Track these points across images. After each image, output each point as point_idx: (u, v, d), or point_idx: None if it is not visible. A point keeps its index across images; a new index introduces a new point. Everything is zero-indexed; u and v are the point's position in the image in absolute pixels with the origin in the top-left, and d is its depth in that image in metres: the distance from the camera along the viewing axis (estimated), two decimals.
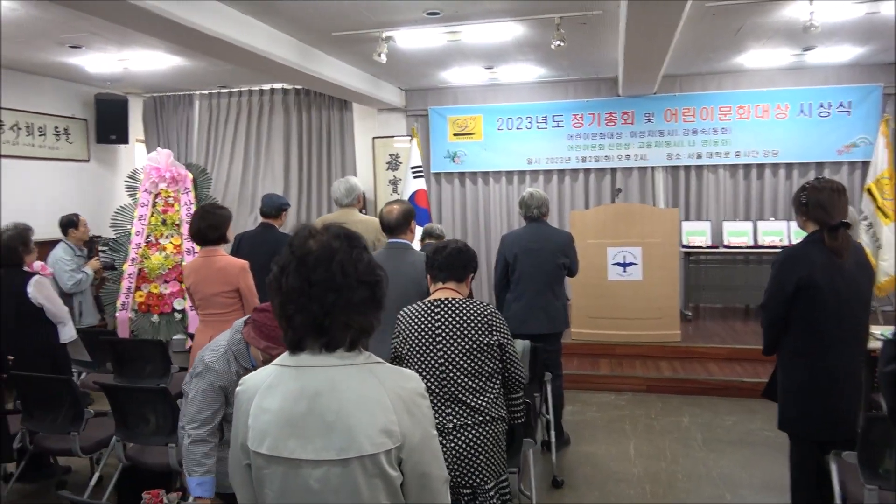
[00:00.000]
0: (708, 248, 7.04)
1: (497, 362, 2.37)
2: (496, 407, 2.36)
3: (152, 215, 6.26)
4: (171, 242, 6.21)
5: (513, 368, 2.42)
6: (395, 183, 8.31)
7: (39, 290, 3.76)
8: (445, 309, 2.34)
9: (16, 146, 6.39)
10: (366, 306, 1.30)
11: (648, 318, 6.02)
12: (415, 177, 7.44)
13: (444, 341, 2.30)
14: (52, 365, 3.84)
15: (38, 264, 3.83)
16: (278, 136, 7.76)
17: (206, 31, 4.47)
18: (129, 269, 6.13)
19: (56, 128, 6.87)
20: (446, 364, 2.30)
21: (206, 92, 7.87)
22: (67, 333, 3.95)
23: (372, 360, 1.31)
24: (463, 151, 8.16)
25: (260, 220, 4.71)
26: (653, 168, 7.70)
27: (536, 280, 4.21)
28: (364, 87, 7.16)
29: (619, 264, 6.06)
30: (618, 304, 6.04)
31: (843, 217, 2.71)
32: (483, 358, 2.31)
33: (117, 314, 6.06)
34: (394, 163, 8.34)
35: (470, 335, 2.30)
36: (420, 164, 7.49)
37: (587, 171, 7.88)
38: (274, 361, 1.35)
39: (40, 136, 6.66)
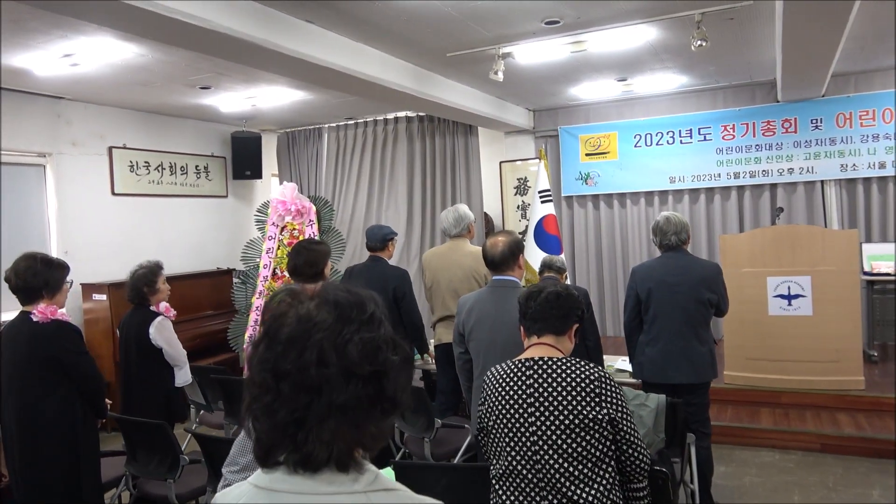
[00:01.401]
0: None
1: (608, 443, 1.84)
2: (609, 501, 1.82)
3: (279, 248, 6.33)
4: None
5: (631, 451, 1.87)
6: (523, 208, 7.87)
7: (160, 332, 3.74)
8: (539, 371, 1.86)
9: (160, 185, 6.75)
10: (361, 412, 0.88)
11: (822, 361, 5.04)
12: (543, 201, 6.94)
13: (537, 413, 1.83)
14: (167, 407, 3.80)
15: (163, 305, 3.83)
16: (402, 165, 7.63)
17: (318, 63, 4.37)
18: (256, 301, 6.22)
19: (197, 166, 7.22)
20: (540, 444, 1.81)
21: (334, 125, 7.96)
22: (182, 378, 3.92)
23: (376, 486, 0.90)
24: (596, 172, 7.55)
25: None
26: (822, 182, 6.62)
27: (675, 319, 3.57)
28: (488, 109, 6.85)
29: (782, 297, 5.15)
30: (782, 344, 5.12)
31: None
32: (589, 437, 1.80)
33: (245, 347, 6.14)
34: (522, 187, 7.92)
35: (571, 407, 1.80)
36: (548, 187, 6.97)
37: (740, 188, 6.95)
38: (249, 478, 0.97)
39: (182, 174, 7.01)
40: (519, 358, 1.93)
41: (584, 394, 1.80)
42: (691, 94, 7.01)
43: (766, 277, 5.17)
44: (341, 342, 0.87)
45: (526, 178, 7.88)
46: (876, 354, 5.81)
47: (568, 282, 6.80)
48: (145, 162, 6.61)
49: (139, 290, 3.72)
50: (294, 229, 6.35)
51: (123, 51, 4.47)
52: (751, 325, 5.20)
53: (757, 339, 5.19)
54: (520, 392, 1.86)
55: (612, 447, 1.85)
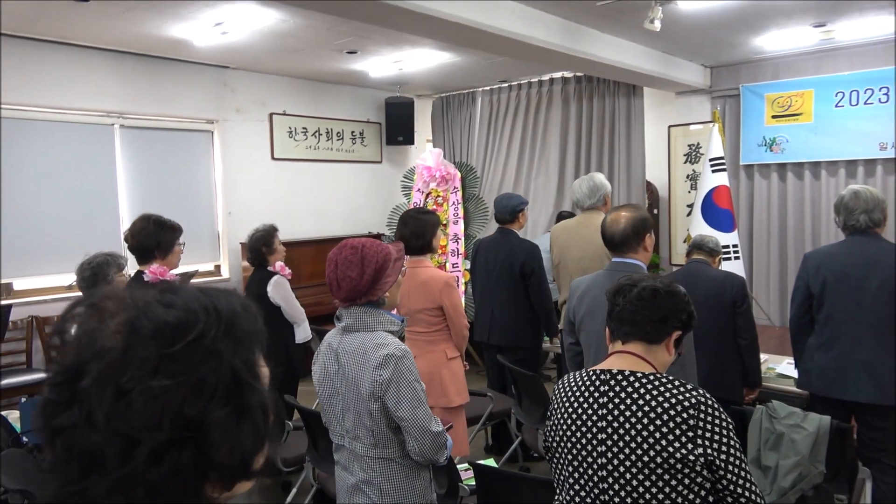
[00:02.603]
0: None
1: (703, 492, 1.39)
2: None
3: None
4: (438, 242, 6.11)
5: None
6: (693, 178, 7.05)
7: (277, 290, 3.83)
8: (616, 388, 1.45)
9: (317, 150, 6.97)
10: (169, 492, 0.60)
11: None
12: (714, 170, 6.12)
13: (609, 443, 1.43)
14: (287, 364, 3.89)
15: (279, 264, 3.91)
16: (555, 130, 7.13)
17: (453, 20, 4.10)
18: None
19: (353, 132, 7.35)
20: (610, 482, 1.42)
21: (487, 88, 7.66)
22: (302, 334, 3.99)
23: None
24: (784, 137, 6.49)
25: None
26: None
27: (857, 322, 2.86)
28: (654, 67, 6.13)
29: None
30: None
31: None
32: (675, 483, 1.37)
33: None
34: (694, 154, 7.08)
35: (653, 441, 1.38)
36: (722, 154, 6.13)
37: None
38: None
39: (338, 140, 7.18)
40: (595, 368, 1.54)
41: (672, 425, 1.37)
42: None
43: None
44: (120, 390, 0.60)
45: (698, 144, 7.02)
46: None
47: (724, 267, 5.96)
48: (303, 128, 6.84)
49: (258, 250, 3.80)
50: (438, 196, 6.22)
51: (266, 17, 4.54)
52: None
53: None
54: (589, 412, 1.48)
55: (709, 497, 1.40)
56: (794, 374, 3.18)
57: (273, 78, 6.58)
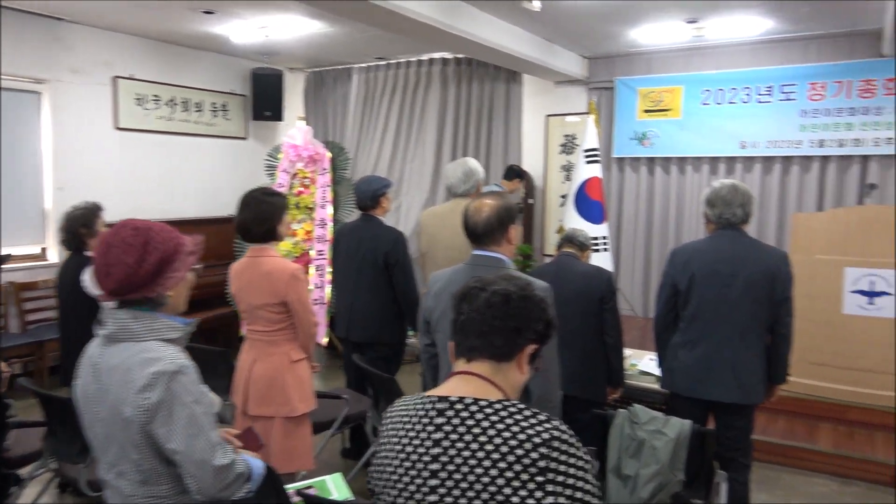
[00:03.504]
0: None
1: None
2: None
3: (287, 198, 5.77)
4: (302, 228, 5.68)
5: None
6: (568, 169, 7.04)
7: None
8: (452, 421, 1.18)
9: (170, 122, 6.28)
10: None
11: None
12: (588, 162, 6.11)
13: (440, 490, 1.15)
14: None
15: None
16: (432, 112, 6.87)
17: None
18: None
19: (214, 104, 6.71)
20: None
21: (364, 65, 7.26)
22: None
23: None
24: (654, 132, 6.61)
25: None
26: None
27: (724, 321, 2.80)
28: (534, 53, 5.99)
29: (862, 292, 4.25)
30: (856, 350, 4.25)
31: None
32: None
33: None
34: (569, 145, 7.07)
35: (495, 489, 1.11)
36: (596, 146, 6.14)
37: (825, 159, 5.90)
38: None
39: (197, 111, 6.52)
40: (432, 393, 1.26)
41: (518, 468, 1.11)
42: (776, 43, 5.94)
43: (844, 268, 4.27)
44: None
45: (574, 135, 7.01)
46: None
47: (593, 258, 5.99)
48: (154, 95, 6.12)
49: (75, 232, 3.23)
50: (306, 177, 5.77)
51: None
52: (820, 324, 4.33)
53: (825, 341, 4.33)
54: (420, 451, 1.19)
55: None
56: (657, 371, 3.10)
57: (118, 36, 5.81)
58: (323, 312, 5.52)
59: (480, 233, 2.25)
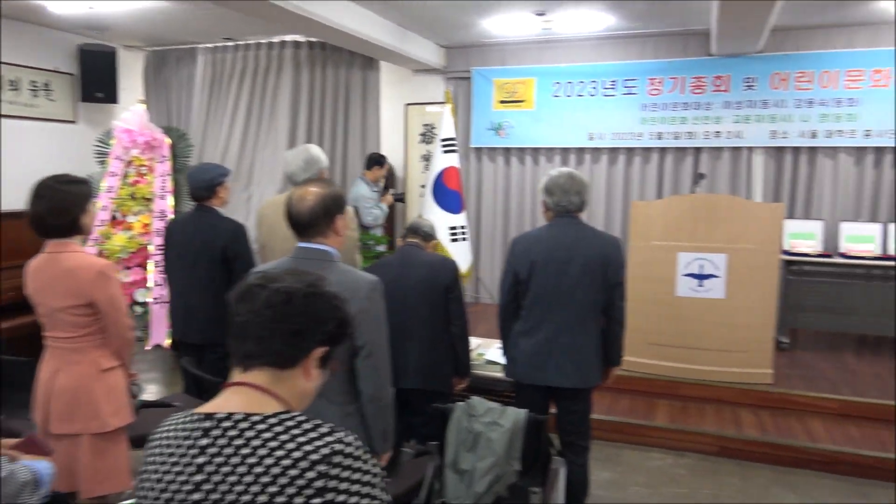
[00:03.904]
0: (818, 256, 5.34)
1: None
2: None
3: (122, 188, 5.27)
4: (139, 221, 5.21)
5: None
6: (428, 158, 7.01)
7: None
8: (218, 441, 1.03)
9: None
10: None
11: (730, 351, 4.49)
12: (445, 151, 6.10)
13: None
14: None
15: None
16: (285, 97, 6.57)
17: None
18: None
19: (33, 82, 5.98)
20: None
21: (210, 45, 6.79)
22: None
23: None
24: (509, 122, 6.73)
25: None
26: (750, 149, 6.02)
27: (562, 306, 2.84)
28: (389, 40, 5.87)
29: (693, 276, 4.54)
30: (687, 329, 4.54)
31: None
32: None
33: None
34: (429, 134, 7.04)
35: None
36: (453, 136, 6.14)
37: (663, 150, 6.29)
38: None
39: (12, 90, 5.78)
40: (198, 410, 1.10)
41: (291, 491, 0.98)
42: (619, 39, 6.23)
43: (678, 253, 4.54)
44: None
45: (434, 124, 6.98)
46: (787, 341, 5.34)
47: (453, 248, 6.04)
48: None
49: None
50: (143, 165, 5.29)
51: None
52: (656, 305, 4.58)
53: (661, 321, 4.59)
54: (182, 479, 1.02)
55: None
56: (503, 360, 3.10)
57: None
58: (164, 312, 5.10)
59: (304, 223, 2.09)
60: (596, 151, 6.50)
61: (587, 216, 6.38)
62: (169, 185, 5.29)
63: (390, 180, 6.76)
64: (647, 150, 6.32)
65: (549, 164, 6.67)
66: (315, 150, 3.44)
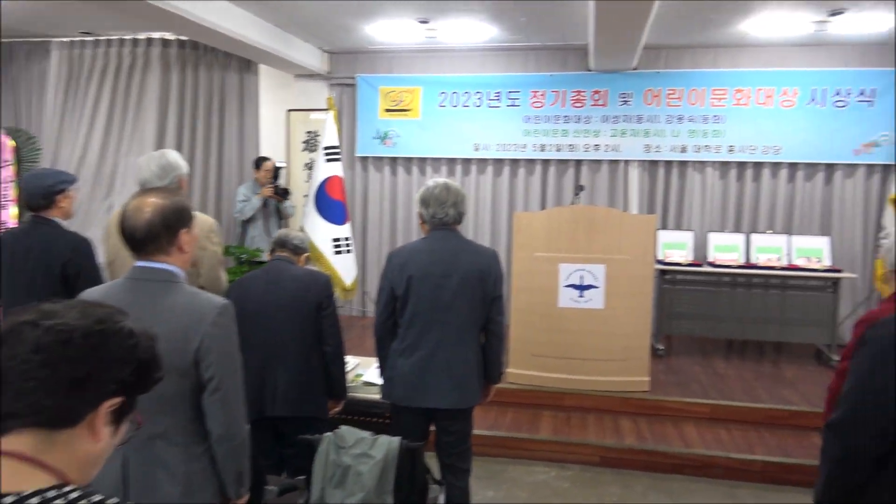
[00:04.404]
0: (689, 265, 5.59)
1: None
2: None
3: None
4: None
5: None
6: (312, 167, 6.73)
7: None
8: None
9: None
10: None
11: (609, 360, 4.56)
12: (328, 160, 5.88)
13: None
14: None
15: None
16: (152, 99, 6.08)
17: None
18: None
19: None
20: None
21: (66, 40, 6.18)
22: None
23: None
24: (396, 132, 6.60)
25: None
26: (626, 162, 6.23)
27: (440, 323, 2.71)
28: (268, 42, 5.57)
29: (574, 286, 4.58)
30: (569, 340, 4.57)
31: None
32: None
33: None
34: (312, 142, 6.76)
35: None
36: (336, 144, 5.93)
37: (546, 162, 6.39)
38: None
39: None
40: None
41: None
42: (502, 51, 6.27)
43: (559, 264, 4.56)
44: None
45: (318, 132, 6.71)
46: (662, 348, 5.54)
47: (337, 260, 5.83)
48: None
49: None
50: None
51: None
52: (539, 316, 4.59)
53: (544, 333, 4.59)
54: None
55: None
56: (380, 381, 2.93)
57: None
58: None
59: (140, 239, 1.83)
60: (481, 162, 6.50)
61: (473, 227, 6.46)
62: (12, 192, 4.71)
63: (276, 180, 6.36)
64: (531, 161, 6.39)
65: (436, 174, 6.59)
66: (172, 155, 3.12)
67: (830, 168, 5.90)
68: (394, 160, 6.69)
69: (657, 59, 5.99)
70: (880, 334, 1.36)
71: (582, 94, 6.16)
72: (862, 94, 5.67)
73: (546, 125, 6.26)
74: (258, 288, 2.85)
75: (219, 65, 6.10)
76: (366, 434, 2.25)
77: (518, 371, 4.64)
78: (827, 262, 5.48)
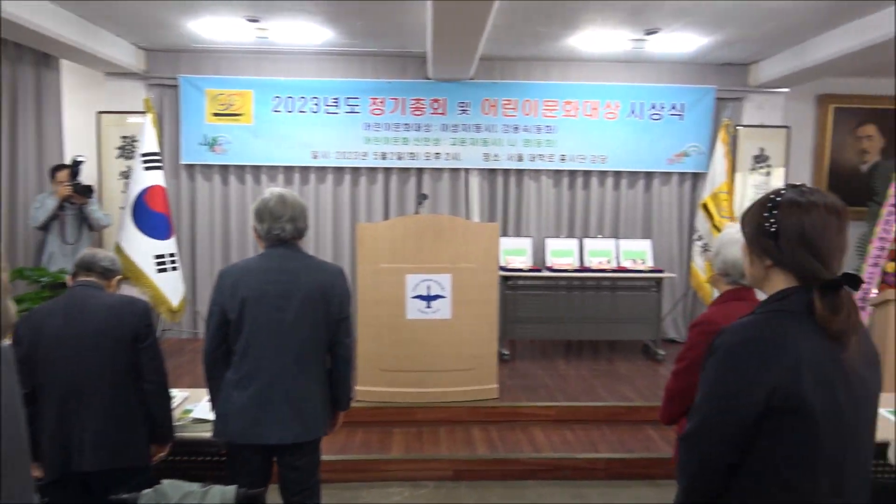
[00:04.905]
0: (529, 270, 5.74)
1: None
2: None
3: None
4: None
5: None
6: (129, 176, 6.04)
7: None
8: None
9: None
10: None
11: (458, 370, 4.52)
12: (147, 168, 5.30)
13: None
14: None
15: None
16: None
17: None
18: None
19: None
20: None
21: None
22: None
23: None
24: (226, 137, 6.13)
25: None
26: (467, 170, 6.29)
27: (280, 349, 2.44)
28: (73, 36, 4.92)
29: (421, 297, 4.48)
30: (419, 353, 4.47)
31: (840, 261, 1.35)
32: None
33: None
34: (128, 148, 6.07)
35: None
36: (156, 150, 5.37)
37: (388, 171, 6.27)
38: None
39: None
40: None
41: None
42: (340, 56, 6.05)
43: (406, 275, 4.44)
44: None
45: (135, 137, 6.02)
46: (507, 353, 5.63)
47: (162, 278, 5.29)
48: None
49: None
50: None
51: None
52: (387, 330, 4.43)
53: (393, 347, 4.45)
54: None
55: None
56: (212, 416, 2.59)
57: None
58: None
59: None
60: (321, 171, 6.23)
61: (315, 239, 6.16)
62: None
63: (76, 177, 5.49)
64: (373, 170, 6.23)
65: (273, 184, 6.21)
66: None
67: (649, 176, 6.37)
68: (225, 168, 6.21)
69: (493, 69, 6.11)
70: (726, 342, 1.36)
71: (421, 102, 6.12)
72: (674, 108, 6.19)
73: (387, 133, 6.14)
74: (55, 321, 2.40)
75: (9, 58, 5.25)
76: (194, 486, 1.94)
77: (367, 388, 4.44)
78: (650, 264, 5.89)
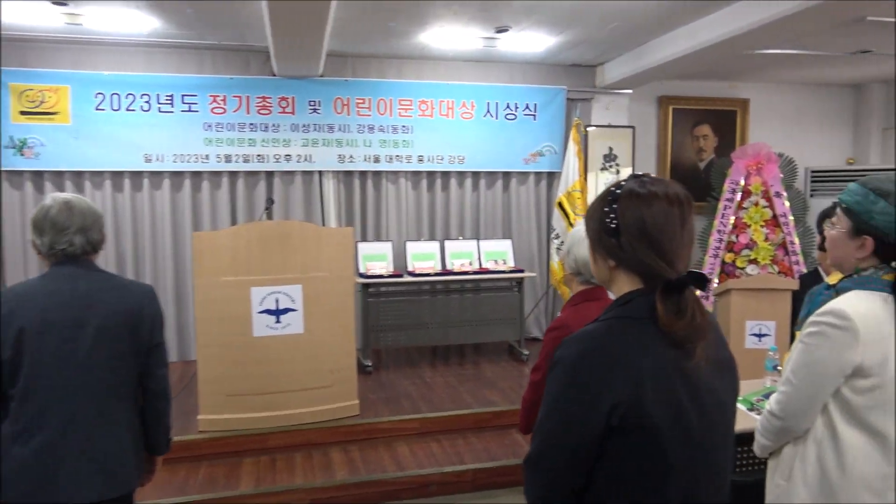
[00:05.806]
0: (390, 276, 5.50)
1: None
2: None
3: None
4: None
5: None
6: None
7: None
8: None
9: None
10: None
11: (315, 388, 4.18)
12: None
13: None
14: None
15: None
16: None
17: None
18: None
19: None
20: None
21: None
22: None
23: None
24: (38, 140, 5.35)
25: None
26: (321, 173, 5.93)
27: (72, 391, 2.00)
28: None
29: (269, 312, 4.09)
30: (270, 372, 4.07)
31: (687, 259, 1.24)
32: None
33: None
34: None
35: None
36: None
37: (233, 174, 5.77)
38: None
39: None
40: None
41: None
42: (171, 48, 5.48)
43: (251, 288, 4.03)
44: None
45: None
46: (370, 364, 5.35)
47: None
48: None
49: None
50: None
51: None
52: (232, 350, 4.00)
53: (240, 368, 4.02)
54: None
55: None
56: None
57: None
58: None
59: None
60: (156, 175, 5.61)
61: (151, 253, 5.53)
62: None
63: None
64: (216, 174, 5.71)
65: (99, 191, 5.51)
66: None
67: (507, 176, 6.36)
68: (38, 174, 5.42)
69: (344, 67, 5.82)
70: (565, 356, 1.20)
71: (268, 100, 5.69)
72: (527, 108, 6.21)
73: (230, 133, 5.64)
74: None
75: None
76: None
77: (210, 417, 3.98)
78: (511, 264, 5.87)
